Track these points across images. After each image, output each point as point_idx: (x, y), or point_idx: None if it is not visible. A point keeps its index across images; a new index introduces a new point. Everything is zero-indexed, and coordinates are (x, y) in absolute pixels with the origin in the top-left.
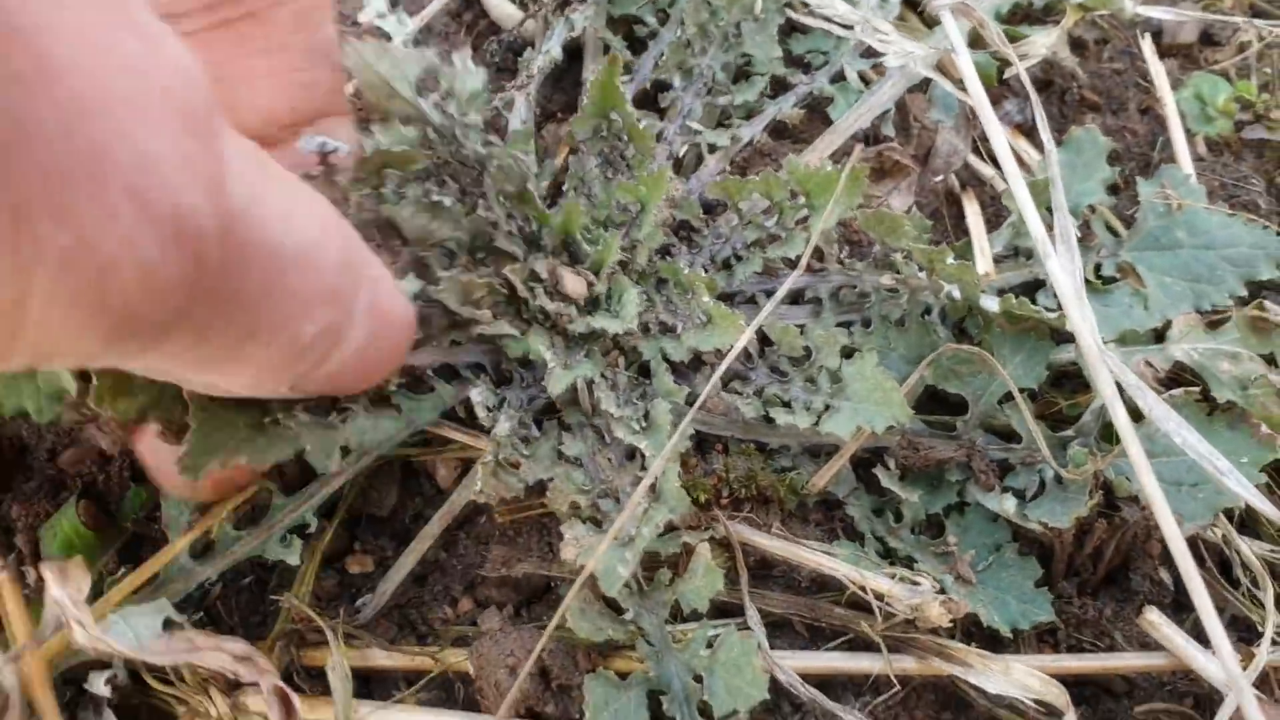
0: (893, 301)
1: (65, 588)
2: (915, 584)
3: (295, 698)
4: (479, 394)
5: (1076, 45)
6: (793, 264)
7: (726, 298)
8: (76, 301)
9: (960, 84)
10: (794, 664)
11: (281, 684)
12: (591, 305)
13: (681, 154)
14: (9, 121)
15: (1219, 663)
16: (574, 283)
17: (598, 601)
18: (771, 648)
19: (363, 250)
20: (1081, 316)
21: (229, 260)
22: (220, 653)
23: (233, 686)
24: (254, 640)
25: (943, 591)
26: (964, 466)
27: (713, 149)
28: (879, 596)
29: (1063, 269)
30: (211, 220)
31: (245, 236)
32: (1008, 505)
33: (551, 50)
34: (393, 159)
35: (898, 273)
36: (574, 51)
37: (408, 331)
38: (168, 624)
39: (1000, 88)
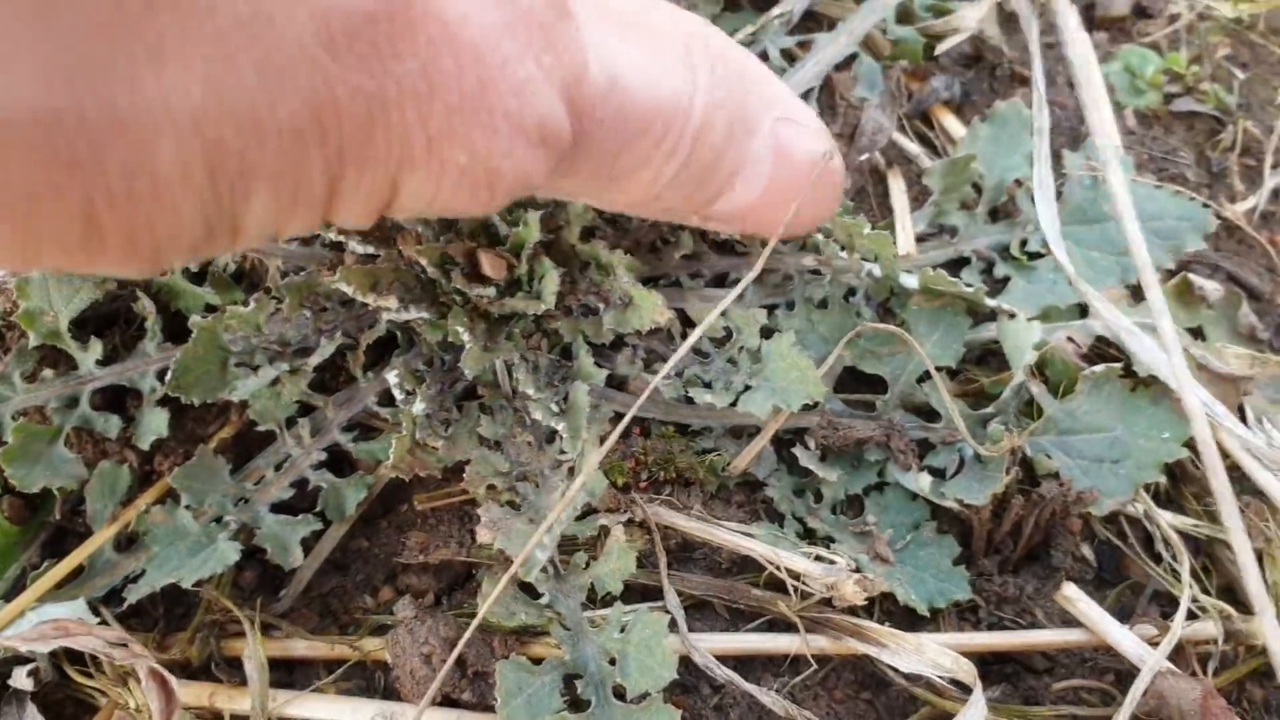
0: (816, 284)
1: None
2: (830, 563)
3: (173, 680)
4: (395, 376)
5: (1007, 19)
6: (719, 248)
7: (651, 280)
8: (473, 197)
9: (888, 60)
10: (711, 645)
11: (159, 668)
12: (512, 287)
13: None
14: (424, 77)
15: (1133, 638)
16: (493, 265)
17: (512, 586)
18: (691, 630)
19: (751, 95)
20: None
21: (586, 134)
22: (93, 638)
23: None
24: (176, 630)
25: (858, 570)
26: (883, 446)
27: None
28: (795, 576)
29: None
30: (567, 120)
31: (603, 114)
32: (924, 483)
33: None
34: None
35: (819, 254)
36: None
37: (825, 174)
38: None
39: (929, 63)
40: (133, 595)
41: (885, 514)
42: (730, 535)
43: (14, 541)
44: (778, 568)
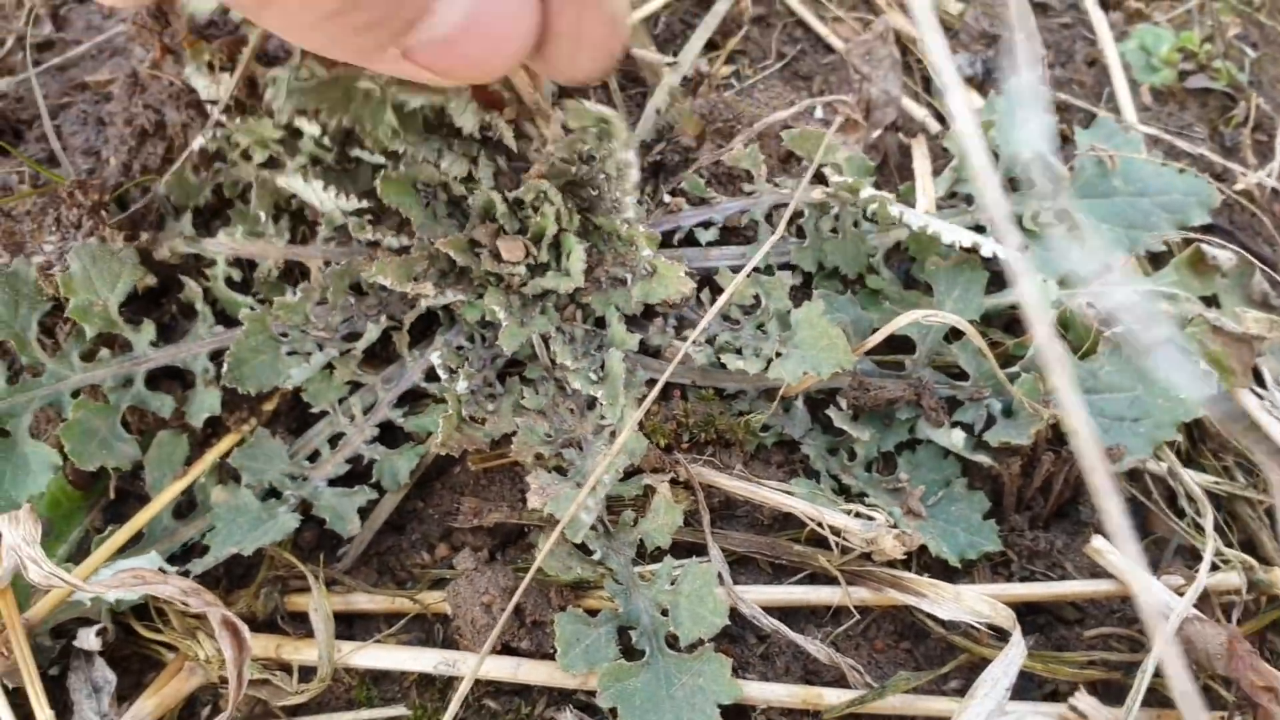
0: (826, 218)
1: (17, 532)
2: (870, 519)
3: (244, 629)
4: (439, 356)
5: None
6: (724, 191)
7: (666, 236)
8: None
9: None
10: (756, 596)
11: (231, 616)
12: (542, 266)
13: None
14: None
15: (1161, 586)
16: (511, 250)
17: (567, 542)
18: (736, 583)
19: None
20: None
21: None
22: (169, 585)
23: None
24: (239, 589)
25: (895, 525)
26: (914, 404)
27: None
28: (836, 532)
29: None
30: None
31: None
32: (957, 438)
33: None
34: None
35: (827, 186)
36: None
37: (511, 23)
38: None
39: (951, 41)
40: (198, 568)
41: (917, 471)
42: (772, 493)
43: (76, 505)
44: (820, 524)
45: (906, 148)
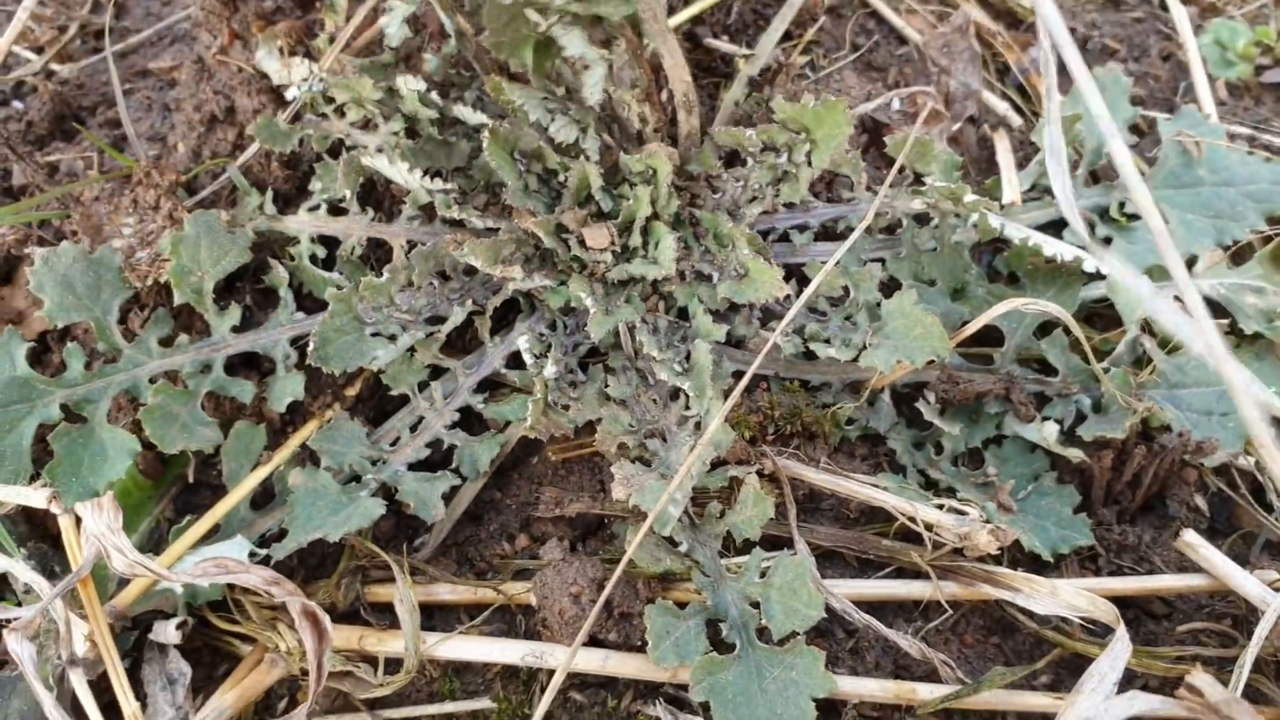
0: (925, 230)
1: (100, 520)
2: (963, 513)
3: (326, 619)
4: (526, 341)
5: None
6: (819, 197)
7: (761, 236)
8: None
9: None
10: (846, 590)
11: (313, 605)
12: (628, 254)
13: None
14: None
15: (1256, 581)
16: (597, 236)
17: (654, 534)
18: (821, 578)
19: None
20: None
21: None
22: (252, 574)
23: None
24: (315, 580)
25: (988, 520)
26: (1003, 399)
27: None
28: (928, 526)
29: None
30: None
31: None
32: (1049, 433)
33: None
34: None
35: (928, 199)
36: None
37: None
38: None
39: (1026, 34)
40: (279, 552)
41: (1005, 466)
42: (861, 487)
43: (147, 495)
44: (912, 519)
45: (986, 140)
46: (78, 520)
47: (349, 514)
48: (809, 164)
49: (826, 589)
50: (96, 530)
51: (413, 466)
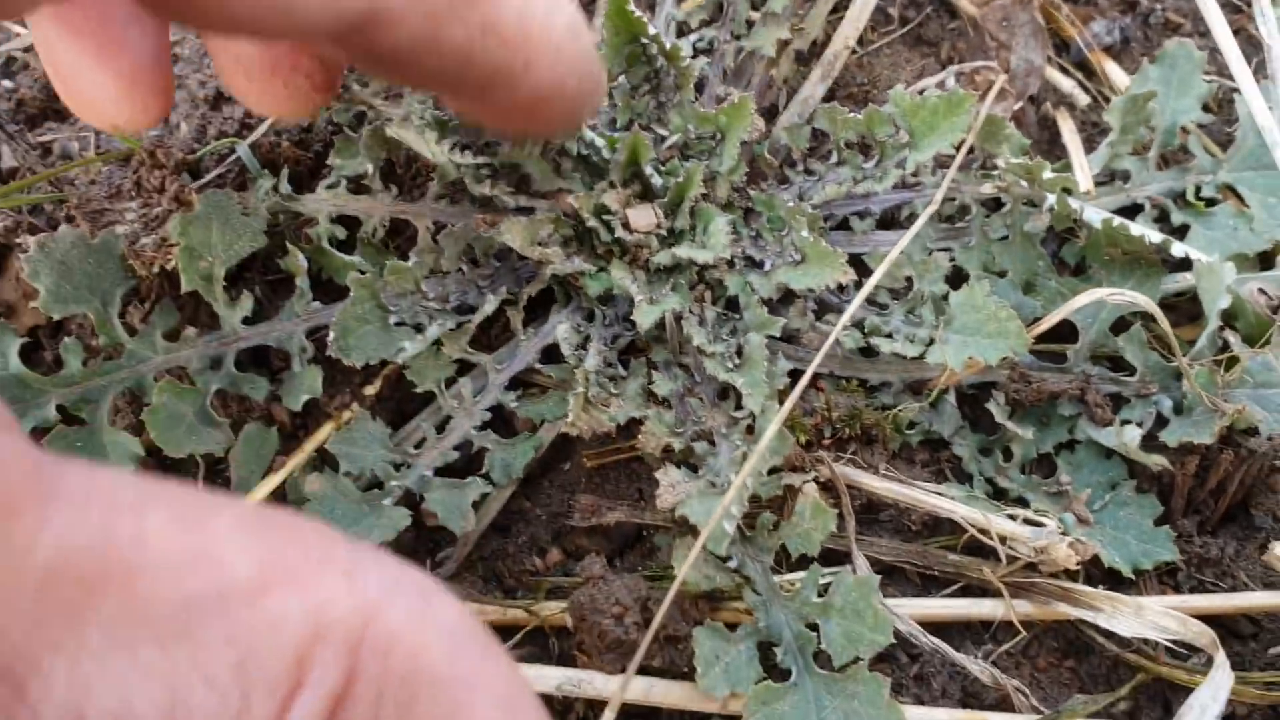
0: (996, 217)
1: None
2: (1040, 525)
3: None
4: (564, 330)
5: None
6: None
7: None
8: None
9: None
10: (910, 611)
11: None
12: (675, 238)
13: (736, 64)
14: None
15: None
16: (642, 217)
17: (703, 549)
18: (883, 596)
19: None
20: None
21: None
22: None
23: None
24: None
25: (1065, 533)
26: (1078, 400)
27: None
28: (1002, 540)
29: None
30: None
31: None
32: (1129, 437)
33: None
34: None
35: (1000, 181)
36: None
37: (565, 54)
38: None
39: (1088, 8)
40: None
41: (1079, 473)
42: (928, 496)
43: None
44: (983, 531)
45: (1047, 120)
46: None
47: (372, 525)
48: (899, 166)
49: (891, 610)
50: None
51: (439, 471)
